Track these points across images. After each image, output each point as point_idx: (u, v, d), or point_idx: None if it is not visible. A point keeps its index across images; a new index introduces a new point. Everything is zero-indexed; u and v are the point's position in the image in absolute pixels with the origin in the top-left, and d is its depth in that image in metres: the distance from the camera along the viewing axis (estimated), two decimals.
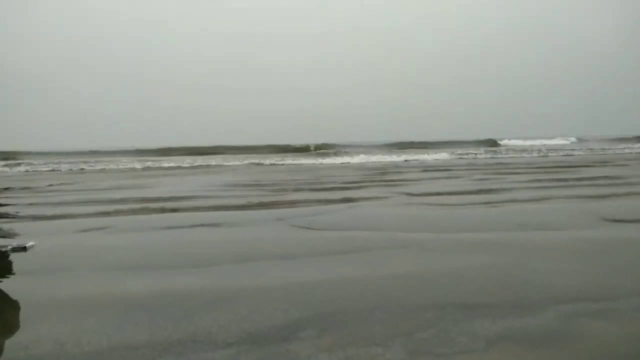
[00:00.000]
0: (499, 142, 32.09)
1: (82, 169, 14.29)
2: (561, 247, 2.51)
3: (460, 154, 18.89)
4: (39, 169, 14.36)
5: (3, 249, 2.38)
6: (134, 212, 4.46)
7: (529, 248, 2.51)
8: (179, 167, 13.99)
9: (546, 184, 6.43)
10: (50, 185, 8.16)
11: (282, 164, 15.00)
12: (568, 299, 1.72)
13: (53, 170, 13.67)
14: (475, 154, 18.78)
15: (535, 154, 18.10)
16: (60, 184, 8.45)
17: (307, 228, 3.30)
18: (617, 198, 4.64)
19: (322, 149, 25.04)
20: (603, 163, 11.26)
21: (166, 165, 14.99)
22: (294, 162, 16.20)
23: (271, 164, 15.06)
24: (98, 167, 14.53)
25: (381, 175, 8.83)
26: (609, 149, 21.47)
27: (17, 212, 2.68)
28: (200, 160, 17.53)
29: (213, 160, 17.88)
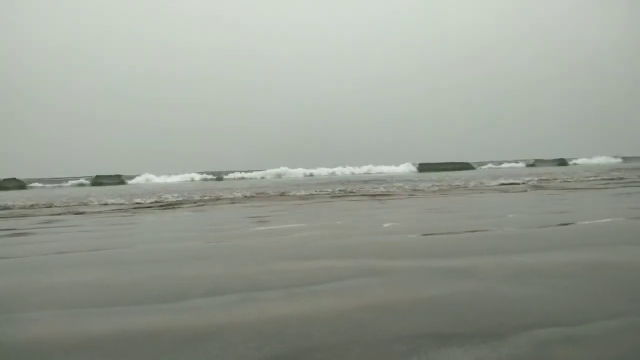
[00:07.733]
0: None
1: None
2: (533, 272, 2.55)
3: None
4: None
5: None
6: (93, 247, 4.29)
7: (502, 273, 2.53)
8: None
9: (519, 207, 6.60)
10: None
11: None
12: (540, 324, 1.74)
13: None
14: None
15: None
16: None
17: (279, 258, 3.24)
18: (585, 220, 4.80)
19: None
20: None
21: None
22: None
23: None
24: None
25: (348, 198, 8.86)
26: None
27: None
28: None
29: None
